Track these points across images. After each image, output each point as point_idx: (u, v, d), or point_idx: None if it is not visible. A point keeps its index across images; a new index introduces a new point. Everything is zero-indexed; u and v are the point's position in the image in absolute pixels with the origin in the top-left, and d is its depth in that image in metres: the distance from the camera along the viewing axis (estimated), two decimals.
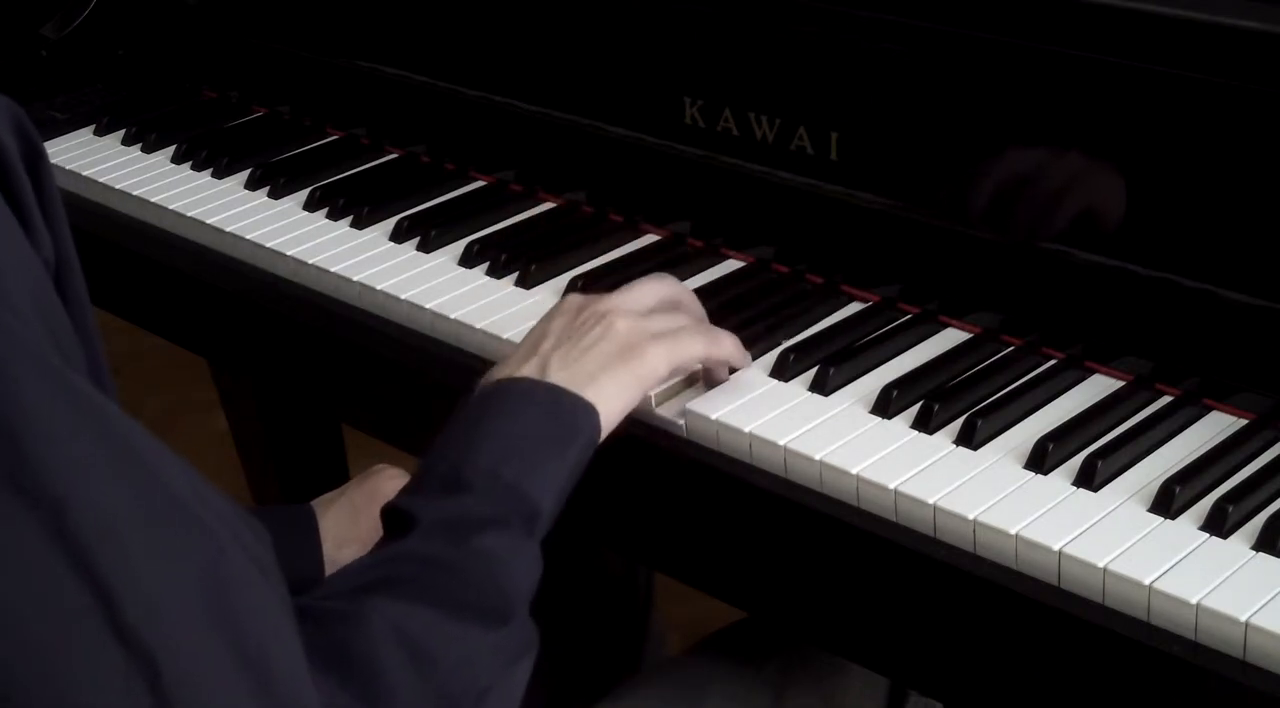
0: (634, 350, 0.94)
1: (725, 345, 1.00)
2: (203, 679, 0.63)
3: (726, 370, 1.02)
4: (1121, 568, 0.83)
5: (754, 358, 1.05)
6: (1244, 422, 0.95)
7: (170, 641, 0.62)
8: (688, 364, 0.99)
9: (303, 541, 1.04)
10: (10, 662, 0.60)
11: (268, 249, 1.25)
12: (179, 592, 0.63)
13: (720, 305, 1.10)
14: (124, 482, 0.63)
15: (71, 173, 1.41)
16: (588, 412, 0.91)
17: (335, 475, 1.75)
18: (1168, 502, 0.88)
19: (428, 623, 0.78)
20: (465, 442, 0.88)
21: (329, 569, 1.03)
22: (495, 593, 0.83)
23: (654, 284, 1.02)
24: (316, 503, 1.08)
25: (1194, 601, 0.81)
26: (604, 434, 0.93)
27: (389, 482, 1.08)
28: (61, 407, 0.62)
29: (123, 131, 1.48)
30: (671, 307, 1.01)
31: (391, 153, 1.41)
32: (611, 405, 0.93)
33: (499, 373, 0.94)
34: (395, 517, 0.86)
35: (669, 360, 0.96)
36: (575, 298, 1.00)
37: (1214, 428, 0.95)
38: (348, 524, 1.06)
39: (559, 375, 0.92)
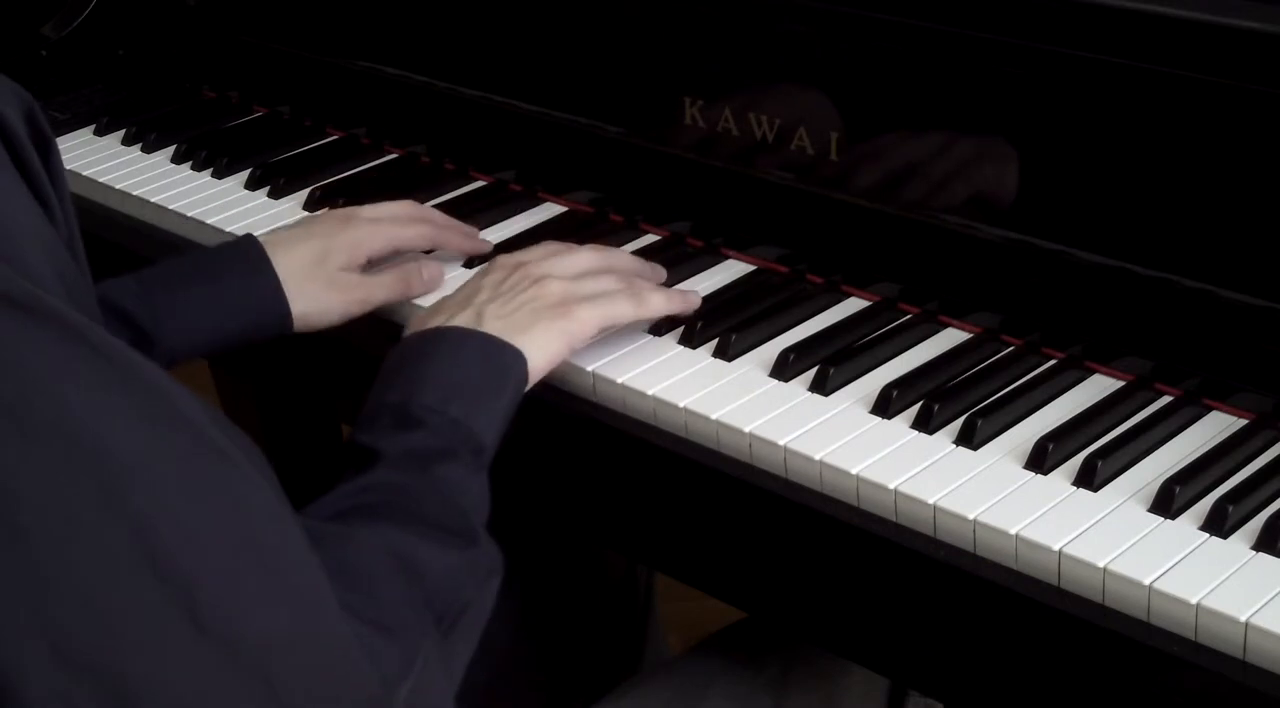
0: (565, 309, 1.01)
1: (654, 305, 1.06)
2: (238, 601, 0.66)
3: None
4: (1121, 568, 0.83)
5: (753, 357, 1.05)
6: (1244, 422, 0.95)
7: (204, 567, 0.65)
8: (617, 324, 1.05)
9: (258, 277, 1.09)
10: (51, 600, 0.61)
11: None
12: (209, 519, 0.66)
13: (720, 305, 1.10)
14: (152, 425, 0.66)
15: (71, 173, 1.41)
16: (517, 358, 0.97)
17: (335, 476, 1.75)
18: (1168, 502, 0.88)
19: (411, 542, 0.83)
20: (411, 381, 0.94)
21: (295, 304, 1.09)
22: (460, 516, 0.88)
23: (586, 252, 1.09)
24: (271, 241, 1.11)
25: (1194, 601, 0.81)
26: (531, 382, 0.98)
27: (365, 232, 1.13)
28: (88, 358, 0.64)
29: (123, 131, 1.48)
30: (604, 272, 1.07)
31: (391, 153, 1.41)
32: (539, 356, 0.99)
33: (433, 320, 1.00)
34: (359, 452, 0.90)
35: (598, 321, 1.02)
36: (508, 256, 1.07)
37: (1214, 428, 0.95)
38: (312, 265, 1.10)
39: (493, 325, 0.98)
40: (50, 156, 0.72)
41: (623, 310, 1.04)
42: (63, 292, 0.68)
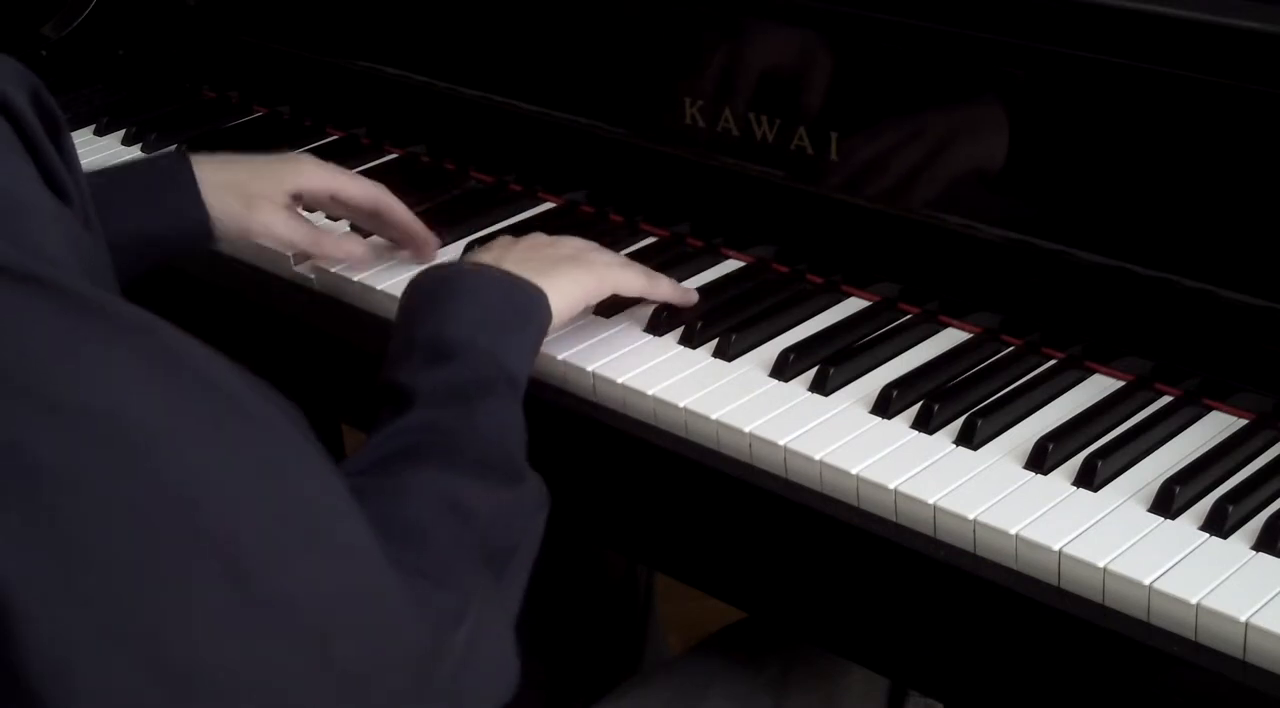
0: (583, 261, 1.03)
1: (662, 287, 1.08)
2: (282, 562, 0.65)
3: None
4: (1121, 568, 0.83)
5: (753, 357, 1.05)
6: (1244, 422, 0.95)
7: (244, 528, 0.64)
8: (627, 290, 1.06)
9: (177, 177, 1.10)
10: (92, 574, 0.61)
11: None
12: (252, 488, 0.66)
13: (720, 305, 1.10)
14: (176, 391, 0.65)
15: None
16: (541, 295, 0.98)
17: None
18: (1168, 502, 0.88)
19: (459, 484, 0.82)
20: (437, 315, 0.93)
21: (213, 210, 1.10)
22: (504, 453, 0.87)
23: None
24: (212, 158, 1.13)
25: (1194, 601, 0.81)
26: (555, 324, 0.99)
27: (308, 163, 1.15)
28: (103, 329, 0.64)
29: (123, 131, 1.48)
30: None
31: (391, 153, 1.41)
32: (559, 299, 0.99)
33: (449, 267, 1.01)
34: (392, 393, 0.89)
35: (614, 277, 1.05)
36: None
37: (1214, 428, 0.95)
38: (234, 178, 1.12)
39: (512, 267, 0.99)
40: (60, 136, 0.72)
41: (635, 277, 1.06)
42: (77, 266, 0.68)
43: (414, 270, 1.18)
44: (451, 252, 1.22)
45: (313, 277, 1.21)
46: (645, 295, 1.08)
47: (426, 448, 0.85)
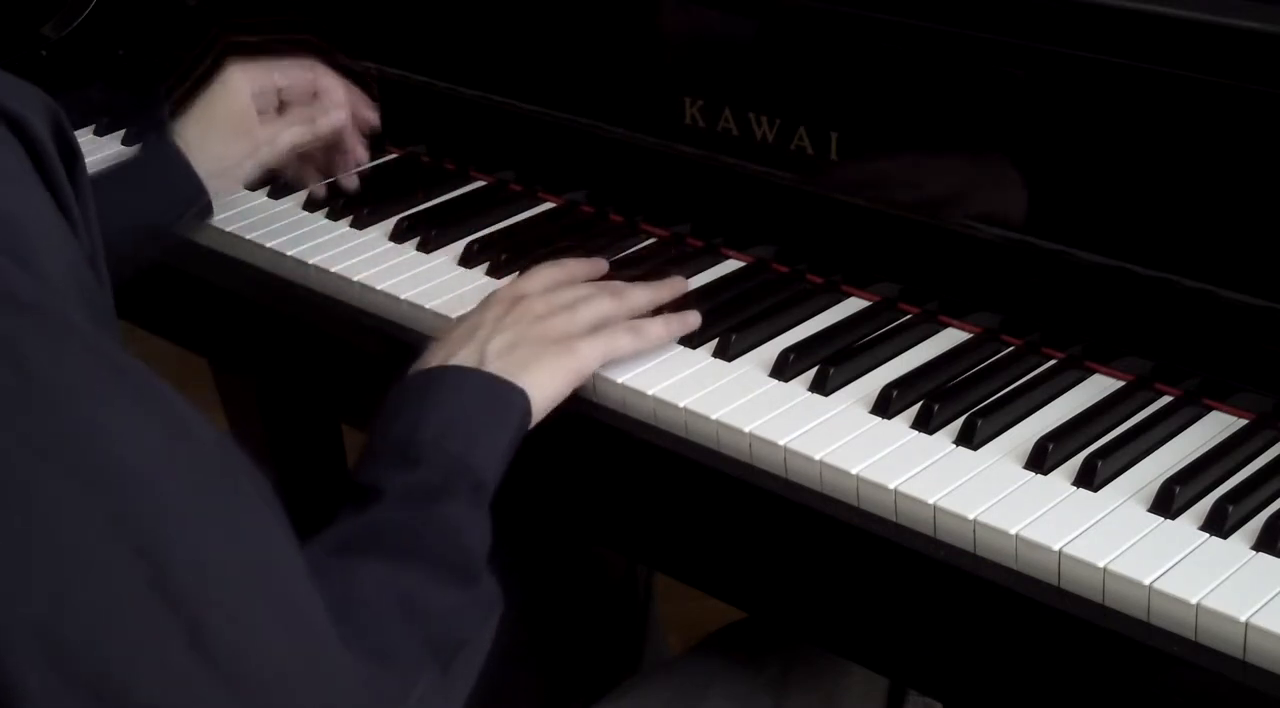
0: (568, 345, 1.01)
1: (653, 335, 1.05)
2: (241, 630, 0.66)
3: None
4: (1121, 568, 0.83)
5: (753, 357, 1.05)
6: (1244, 422, 0.95)
7: (209, 595, 0.65)
8: (619, 357, 1.03)
9: (163, 152, 1.11)
10: (55, 611, 0.62)
11: (268, 249, 1.25)
12: (217, 548, 0.66)
13: (720, 305, 1.10)
14: (169, 445, 0.66)
15: None
16: (521, 396, 0.97)
17: (335, 476, 1.75)
18: (1168, 502, 0.88)
19: (412, 579, 0.83)
20: (411, 418, 0.93)
21: (200, 167, 1.11)
22: (461, 553, 0.87)
23: (585, 285, 1.08)
24: (171, 127, 1.14)
25: (1194, 601, 0.81)
26: (535, 419, 0.97)
27: (236, 69, 1.15)
28: (104, 375, 0.65)
29: (123, 132, 1.48)
30: (600, 295, 1.06)
31: (392, 153, 1.41)
32: (543, 393, 0.98)
33: (436, 358, 0.99)
34: (360, 489, 0.90)
35: (600, 356, 1.02)
36: (508, 288, 1.06)
37: (1214, 428, 0.95)
38: (202, 126, 1.13)
39: (495, 364, 0.97)
40: (76, 168, 0.72)
41: (624, 345, 1.03)
42: (83, 305, 0.68)
43: (414, 271, 1.19)
44: (451, 251, 1.22)
45: (335, 285, 1.21)
46: (640, 352, 1.05)
47: (384, 543, 0.85)
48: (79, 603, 0.62)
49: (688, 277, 1.15)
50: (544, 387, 0.98)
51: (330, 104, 1.21)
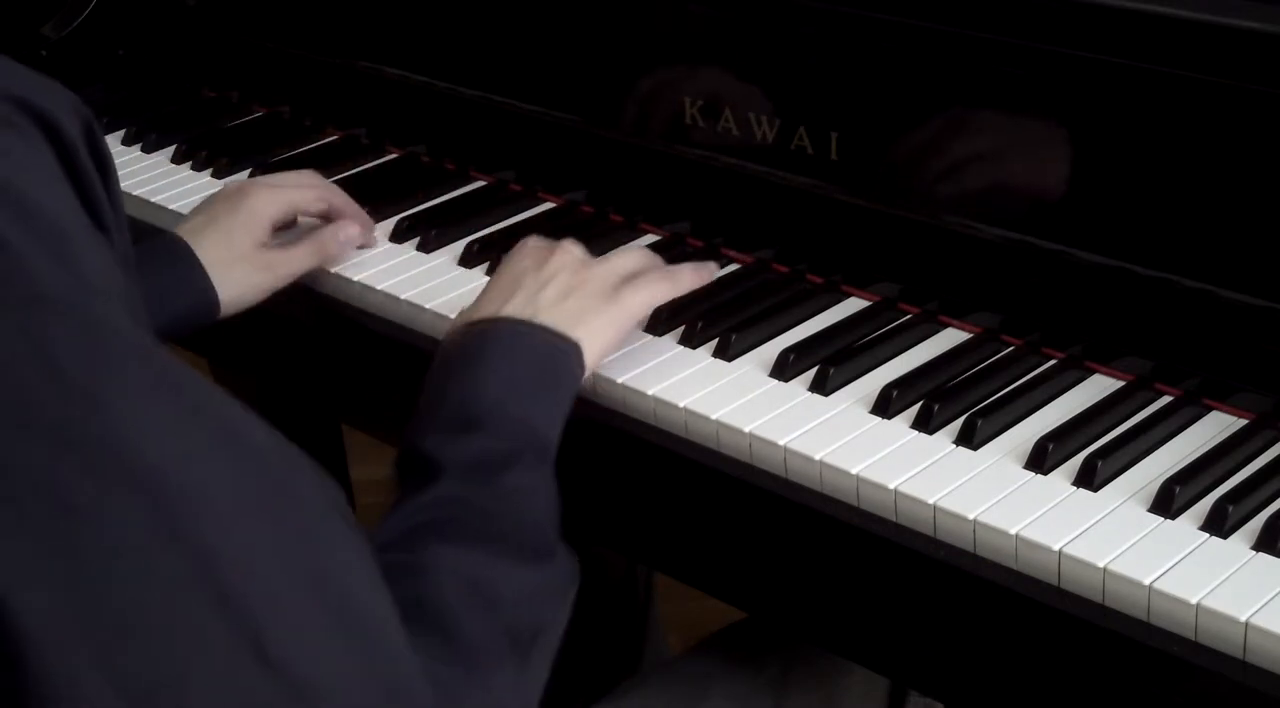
0: (615, 296, 1.02)
1: (685, 281, 1.08)
2: (304, 641, 0.64)
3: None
4: (1121, 568, 0.83)
5: (753, 357, 1.05)
6: (1244, 422, 0.95)
7: (273, 606, 0.64)
8: (660, 303, 1.06)
9: (188, 271, 1.11)
10: (112, 628, 0.61)
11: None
12: (279, 556, 0.65)
13: (720, 305, 1.10)
14: (222, 453, 0.65)
15: None
16: (574, 350, 0.97)
17: (335, 475, 1.75)
18: (1168, 502, 0.88)
19: (484, 564, 0.81)
20: (467, 379, 0.92)
21: (221, 290, 1.12)
22: (534, 531, 0.86)
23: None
24: (185, 234, 1.14)
25: (1194, 601, 0.81)
26: (588, 371, 0.99)
27: (260, 200, 1.15)
28: (152, 383, 0.64)
29: (123, 131, 1.48)
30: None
31: (391, 153, 1.41)
32: (594, 346, 0.99)
33: (484, 309, 0.99)
34: (418, 462, 0.87)
35: (645, 304, 1.04)
36: (537, 241, 1.06)
37: (1214, 428, 0.95)
38: (226, 249, 1.13)
39: (548, 316, 0.97)
40: (108, 174, 0.71)
41: (662, 291, 1.05)
42: (123, 305, 0.67)
43: (414, 271, 1.19)
44: (451, 251, 1.22)
45: (335, 285, 1.21)
46: (677, 294, 1.07)
47: (453, 524, 0.83)
48: (136, 620, 0.61)
49: None
50: (596, 338, 0.99)
51: (341, 226, 1.20)
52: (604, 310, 1.00)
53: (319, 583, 0.66)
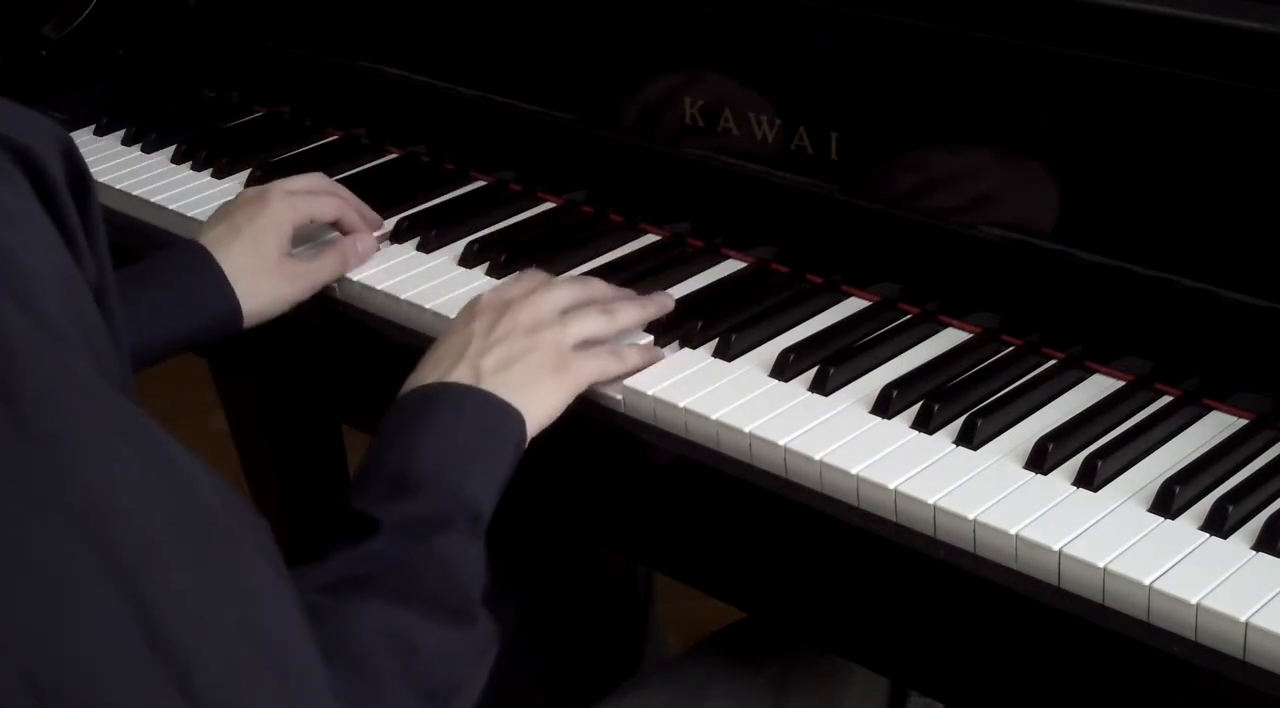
0: (562, 363, 1.00)
1: (633, 360, 1.04)
2: (233, 684, 0.66)
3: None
4: (1121, 568, 0.83)
5: (753, 357, 1.05)
6: (1244, 422, 0.95)
7: (204, 650, 0.65)
8: (608, 378, 1.03)
9: (211, 281, 1.11)
10: (47, 670, 0.61)
11: None
12: (213, 603, 0.66)
13: (720, 305, 1.10)
14: (166, 499, 0.66)
15: None
16: (517, 420, 0.96)
17: (335, 476, 1.75)
18: (1168, 502, 0.88)
19: (406, 618, 0.82)
20: (407, 443, 0.92)
21: (244, 302, 1.12)
22: (460, 593, 0.86)
23: (567, 285, 1.07)
24: (209, 244, 1.14)
25: (1194, 601, 0.81)
26: (530, 437, 0.97)
27: (281, 209, 1.16)
28: (103, 424, 0.65)
29: (123, 131, 1.48)
30: (586, 304, 1.06)
31: (391, 153, 1.41)
32: (539, 413, 0.98)
33: (430, 374, 0.98)
34: (355, 519, 0.88)
35: (592, 376, 1.02)
36: (492, 295, 1.05)
37: (1214, 428, 0.95)
38: (252, 259, 1.13)
39: (490, 382, 0.96)
40: (87, 199, 0.71)
41: (611, 370, 1.03)
42: (86, 346, 0.68)
43: (414, 271, 1.19)
44: (451, 251, 1.22)
45: (335, 285, 1.21)
46: (622, 372, 1.04)
47: (381, 580, 0.84)
48: (67, 649, 0.62)
49: (687, 277, 1.15)
50: (539, 406, 0.98)
51: (360, 238, 1.21)
52: (552, 377, 0.99)
53: (251, 625, 0.67)
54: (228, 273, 1.12)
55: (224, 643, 0.66)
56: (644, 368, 1.05)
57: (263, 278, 1.13)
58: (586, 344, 1.03)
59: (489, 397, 0.96)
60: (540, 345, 1.00)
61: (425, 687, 0.80)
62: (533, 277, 1.09)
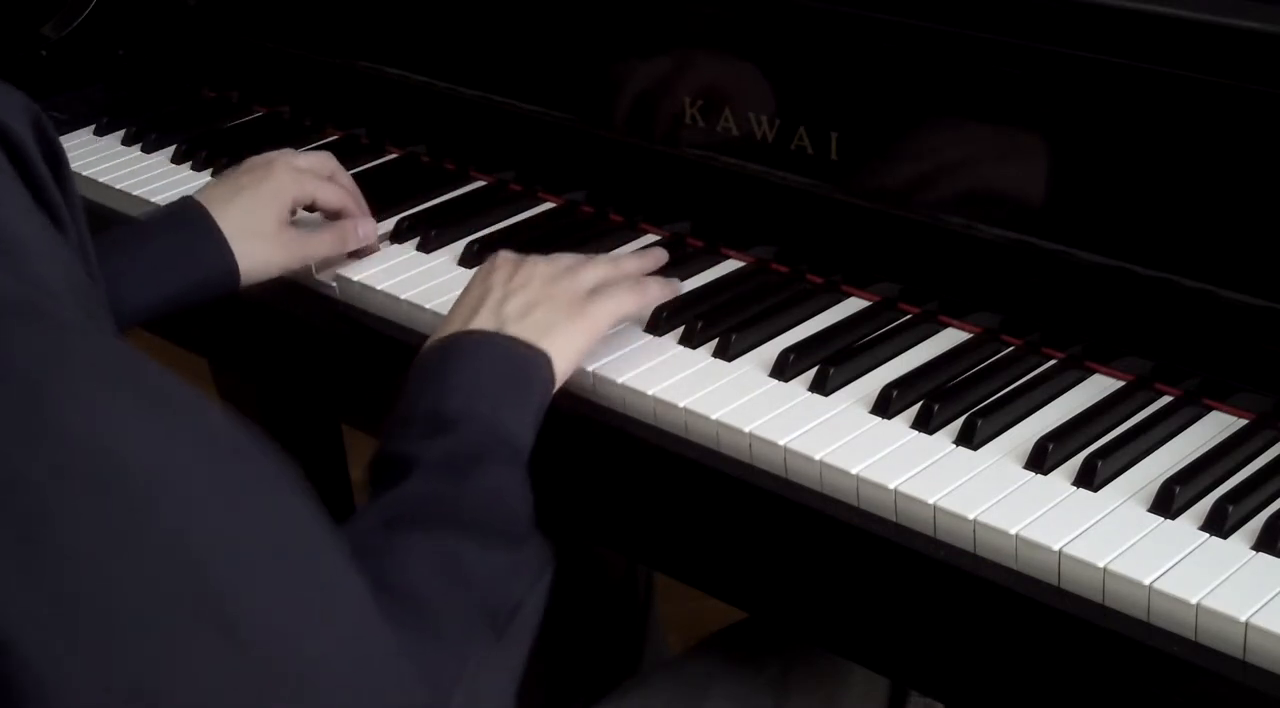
0: (581, 307, 1.02)
1: (652, 294, 1.08)
2: (274, 618, 0.64)
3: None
4: (1121, 568, 0.83)
5: (753, 357, 1.05)
6: (1244, 422, 0.95)
7: (240, 585, 0.64)
8: (627, 316, 1.06)
9: (208, 237, 1.12)
10: (84, 619, 0.61)
11: None
12: (247, 536, 0.65)
13: (720, 305, 1.10)
14: (180, 436, 0.65)
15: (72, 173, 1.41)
16: (545, 360, 0.98)
17: (335, 475, 1.75)
18: (1168, 502, 0.88)
19: (458, 547, 0.82)
20: (438, 387, 0.93)
21: (241, 261, 1.13)
22: (505, 517, 0.87)
23: (564, 256, 1.09)
24: (207, 201, 1.14)
25: (1194, 601, 0.81)
26: (559, 383, 0.99)
27: (286, 180, 1.17)
28: (107, 374, 0.64)
29: (123, 131, 1.48)
30: (592, 257, 1.09)
31: (391, 153, 1.41)
32: (564, 355, 0.99)
33: (452, 325, 1.00)
34: (392, 461, 0.88)
35: (612, 316, 1.04)
36: (505, 256, 1.07)
37: (1214, 428, 0.95)
38: (251, 221, 1.14)
39: (515, 328, 0.98)
40: (60, 167, 0.72)
41: (629, 303, 1.05)
42: (75, 302, 0.67)
43: (414, 271, 1.19)
44: (451, 251, 1.22)
45: (335, 285, 1.21)
46: (643, 309, 1.08)
47: (425, 513, 0.84)
48: (107, 608, 0.61)
49: (687, 277, 1.15)
50: (565, 349, 0.99)
51: (363, 222, 1.22)
52: (572, 322, 1.01)
53: (291, 560, 0.67)
54: (224, 231, 1.13)
55: (260, 574, 0.65)
56: (664, 300, 1.08)
57: (256, 240, 1.14)
58: (600, 290, 1.05)
59: (514, 340, 0.97)
60: (558, 293, 1.02)
61: (482, 609, 0.80)
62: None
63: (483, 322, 0.99)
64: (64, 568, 0.61)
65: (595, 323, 1.02)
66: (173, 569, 0.62)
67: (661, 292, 1.09)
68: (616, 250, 1.15)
